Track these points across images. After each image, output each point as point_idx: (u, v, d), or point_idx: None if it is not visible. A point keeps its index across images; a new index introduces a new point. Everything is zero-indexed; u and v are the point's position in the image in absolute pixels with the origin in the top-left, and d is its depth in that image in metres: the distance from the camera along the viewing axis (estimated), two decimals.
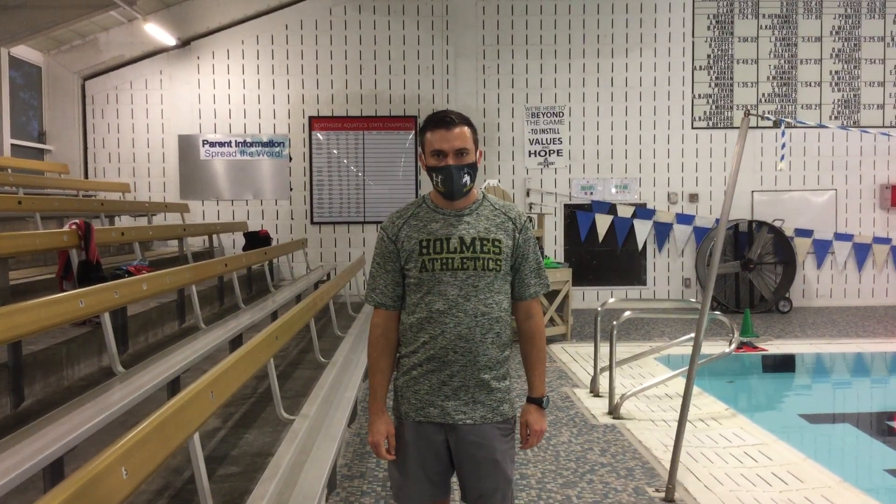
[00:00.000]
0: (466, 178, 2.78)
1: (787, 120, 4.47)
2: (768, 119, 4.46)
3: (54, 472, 3.15)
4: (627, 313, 7.04)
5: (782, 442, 5.99)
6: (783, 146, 4.67)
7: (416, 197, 12.87)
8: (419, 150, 2.89)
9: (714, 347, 7.81)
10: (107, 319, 4.59)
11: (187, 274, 6.31)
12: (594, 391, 7.50)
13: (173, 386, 4.78)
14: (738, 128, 4.53)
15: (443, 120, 2.76)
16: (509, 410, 2.88)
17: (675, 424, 5.05)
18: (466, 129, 2.79)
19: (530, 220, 2.98)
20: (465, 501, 2.93)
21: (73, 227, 5.93)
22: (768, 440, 6.04)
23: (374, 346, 2.85)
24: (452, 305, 2.73)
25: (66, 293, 4.25)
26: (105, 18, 11.72)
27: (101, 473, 2.16)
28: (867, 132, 12.56)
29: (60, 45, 12.20)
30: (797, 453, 5.72)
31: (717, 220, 13.04)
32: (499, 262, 2.78)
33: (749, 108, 3.98)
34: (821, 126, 8.36)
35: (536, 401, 2.89)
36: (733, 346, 6.87)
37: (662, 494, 4.78)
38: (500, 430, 2.83)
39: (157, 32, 12.02)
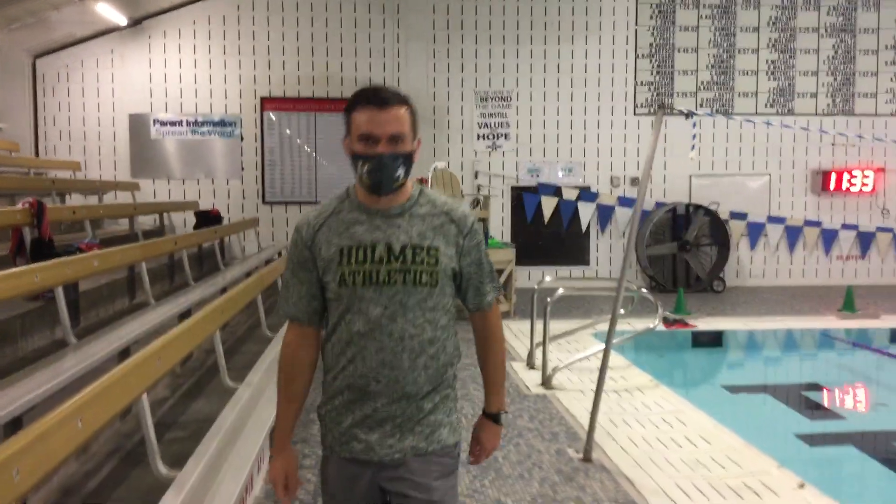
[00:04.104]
0: (400, 171, 2.30)
1: (697, 113, 4.87)
2: (681, 112, 4.86)
3: (15, 428, 3.43)
4: (560, 291, 7.47)
5: (699, 409, 6.47)
6: (693, 137, 5.02)
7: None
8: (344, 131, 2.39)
9: (649, 324, 8.25)
10: (60, 293, 4.85)
11: (138, 251, 6.55)
12: (530, 364, 7.92)
13: (123, 356, 5.05)
14: (679, 114, 4.89)
15: (375, 97, 2.27)
16: (449, 436, 2.43)
17: (603, 395, 5.47)
18: (404, 110, 2.30)
19: (479, 220, 2.61)
20: None
21: (27, 205, 6.12)
22: (685, 408, 6.51)
23: (282, 370, 2.45)
24: (374, 327, 2.30)
25: (22, 267, 4.50)
26: None
27: (59, 422, 2.47)
28: (789, 127, 13.14)
29: (11, 23, 12.17)
30: (710, 419, 6.19)
31: (658, 204, 13.60)
32: (434, 275, 2.33)
33: (669, 102, 4.37)
34: (728, 116, 8.83)
35: (492, 416, 2.52)
36: (658, 321, 7.33)
37: (581, 455, 5.21)
38: (437, 465, 2.38)
39: (109, 11, 12.06)
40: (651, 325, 7.35)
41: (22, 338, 5.44)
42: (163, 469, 3.60)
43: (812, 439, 6.31)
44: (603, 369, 5.33)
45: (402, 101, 2.31)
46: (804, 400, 7.69)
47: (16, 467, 2.18)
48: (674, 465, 5.14)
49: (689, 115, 4.88)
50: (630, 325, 8.84)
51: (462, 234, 2.40)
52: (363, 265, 2.30)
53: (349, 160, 2.35)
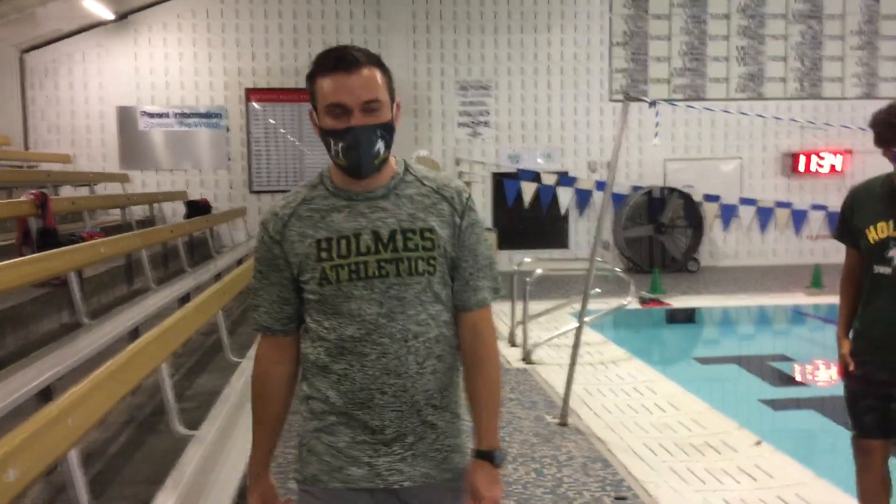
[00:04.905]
0: (380, 145, 1.95)
1: (659, 101, 5.28)
2: (644, 101, 5.27)
3: (46, 397, 3.81)
4: (539, 271, 7.89)
5: (669, 379, 6.92)
6: (657, 125, 5.34)
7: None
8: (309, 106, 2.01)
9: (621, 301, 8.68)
10: (73, 278, 5.21)
11: (138, 239, 6.91)
12: (512, 342, 8.35)
13: (133, 335, 5.42)
14: (643, 102, 5.30)
15: (342, 59, 1.91)
16: (461, 461, 2.09)
17: (580, 368, 5.91)
18: (377, 71, 1.94)
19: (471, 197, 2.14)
20: None
21: (32, 196, 6.45)
22: (657, 378, 6.97)
23: (254, 389, 2.11)
24: (372, 329, 1.96)
25: (40, 254, 4.87)
26: None
27: (101, 382, 2.85)
28: (745, 114, 13.62)
29: None
30: (680, 388, 6.64)
31: (634, 188, 14.05)
32: (432, 262, 1.99)
33: (627, 93, 4.78)
34: (688, 105, 9.38)
35: (486, 455, 2.04)
36: (630, 299, 7.77)
37: (558, 420, 5.65)
38: (450, 491, 2.07)
39: (94, 6, 12.29)
40: (623, 303, 7.78)
41: (33, 322, 5.80)
42: (182, 430, 3.99)
43: (775, 404, 6.79)
44: (577, 342, 5.76)
45: (373, 60, 1.95)
46: (771, 370, 8.16)
47: (70, 418, 2.57)
48: (643, 427, 5.59)
49: (652, 104, 5.28)
50: (606, 304, 9.27)
51: (457, 211, 2.05)
52: (346, 258, 1.96)
53: (319, 138, 1.99)
